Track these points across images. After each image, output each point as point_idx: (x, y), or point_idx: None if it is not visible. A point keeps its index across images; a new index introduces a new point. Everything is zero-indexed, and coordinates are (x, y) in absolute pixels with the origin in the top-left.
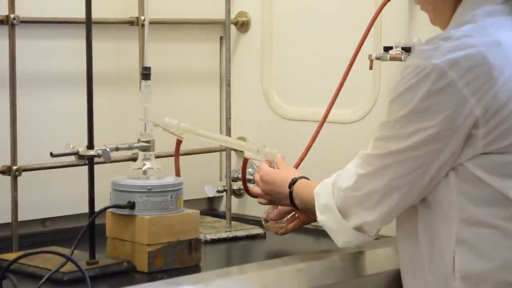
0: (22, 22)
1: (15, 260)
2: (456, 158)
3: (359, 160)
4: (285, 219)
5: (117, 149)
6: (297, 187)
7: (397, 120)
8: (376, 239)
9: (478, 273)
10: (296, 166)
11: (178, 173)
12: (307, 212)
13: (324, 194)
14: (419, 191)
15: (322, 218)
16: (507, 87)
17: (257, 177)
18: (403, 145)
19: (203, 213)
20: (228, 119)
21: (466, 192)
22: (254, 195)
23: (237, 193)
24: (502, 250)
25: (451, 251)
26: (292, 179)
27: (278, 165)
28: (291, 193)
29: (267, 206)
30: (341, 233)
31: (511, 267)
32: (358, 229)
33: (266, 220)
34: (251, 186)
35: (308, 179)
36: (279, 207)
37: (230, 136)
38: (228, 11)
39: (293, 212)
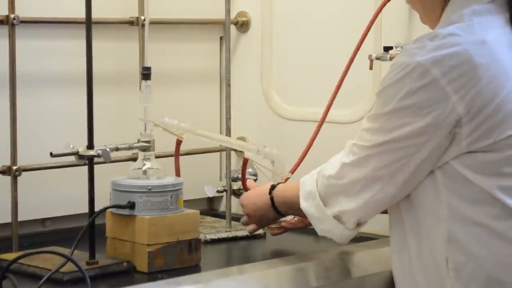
0: (22, 22)
1: (15, 260)
2: (440, 156)
3: (346, 150)
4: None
5: (117, 149)
6: (276, 190)
7: (382, 114)
8: (374, 239)
9: (469, 271)
10: (296, 167)
11: (178, 173)
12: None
13: (309, 181)
14: (397, 184)
15: (305, 205)
16: (491, 85)
17: (243, 209)
18: (386, 137)
19: (203, 213)
20: (228, 119)
21: (454, 190)
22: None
23: (237, 193)
24: (491, 249)
25: (443, 250)
26: (271, 186)
27: (250, 186)
28: (271, 198)
29: None
30: (321, 221)
31: (501, 265)
32: (337, 218)
33: None
34: None
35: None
36: None
37: (230, 136)
38: (228, 11)
39: (289, 216)
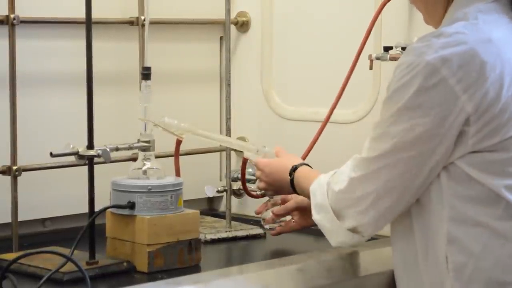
0: (22, 22)
1: (15, 260)
2: (448, 156)
3: (353, 163)
4: (285, 218)
5: (117, 149)
6: (297, 175)
7: (388, 117)
8: (375, 239)
9: (469, 272)
10: None
11: (178, 173)
12: (306, 215)
13: (320, 193)
14: (412, 191)
15: (318, 217)
16: (498, 84)
17: (258, 173)
18: (393, 143)
19: (203, 213)
20: (228, 119)
21: (457, 191)
22: (255, 196)
23: (237, 193)
24: (492, 250)
25: (443, 250)
26: (292, 166)
27: (278, 154)
28: (292, 180)
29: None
30: (335, 233)
31: (501, 266)
32: (353, 230)
33: (264, 217)
34: (251, 186)
35: (309, 165)
36: (275, 208)
37: (230, 136)
38: (228, 11)
39: (289, 216)
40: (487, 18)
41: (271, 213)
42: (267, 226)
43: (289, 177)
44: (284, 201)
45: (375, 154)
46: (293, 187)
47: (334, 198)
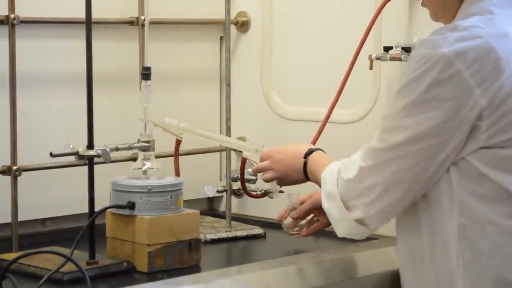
0: (22, 22)
1: (15, 260)
2: (459, 151)
3: (362, 153)
4: (304, 221)
5: (117, 149)
6: (311, 161)
7: (400, 109)
8: (375, 239)
9: (479, 269)
10: None
11: (177, 173)
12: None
13: (330, 181)
14: (421, 184)
15: (326, 205)
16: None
17: (265, 163)
18: (405, 136)
19: (203, 213)
20: (228, 119)
21: (467, 187)
22: (254, 196)
23: (237, 193)
24: (501, 248)
25: (455, 246)
26: (308, 150)
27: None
28: (305, 164)
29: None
30: (343, 222)
31: (509, 265)
32: (360, 221)
33: (285, 223)
34: (250, 186)
35: (322, 150)
36: (291, 213)
37: (230, 136)
38: (228, 11)
39: (312, 215)
40: (502, 12)
41: (290, 219)
42: (291, 232)
43: (304, 159)
44: (302, 203)
45: (386, 145)
46: (305, 172)
47: (343, 187)
